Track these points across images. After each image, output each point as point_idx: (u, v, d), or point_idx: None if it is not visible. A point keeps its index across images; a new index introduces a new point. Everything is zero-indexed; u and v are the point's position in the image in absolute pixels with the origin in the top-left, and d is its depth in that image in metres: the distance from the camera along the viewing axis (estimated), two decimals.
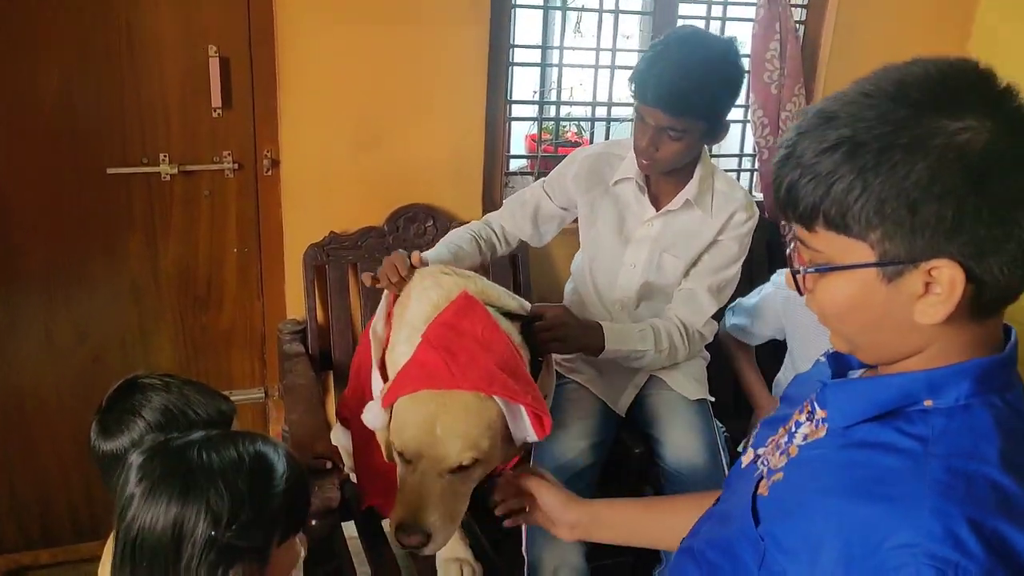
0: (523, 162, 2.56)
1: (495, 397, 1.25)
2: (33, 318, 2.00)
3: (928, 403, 0.75)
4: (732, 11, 2.47)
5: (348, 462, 1.64)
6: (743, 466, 0.97)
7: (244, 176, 2.07)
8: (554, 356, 1.71)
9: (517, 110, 2.38)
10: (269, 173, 2.07)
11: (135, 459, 0.97)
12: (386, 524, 1.61)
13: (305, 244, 2.07)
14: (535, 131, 2.54)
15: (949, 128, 0.69)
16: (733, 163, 2.66)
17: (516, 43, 2.26)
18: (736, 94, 1.62)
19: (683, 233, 1.71)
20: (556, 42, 2.38)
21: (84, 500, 2.18)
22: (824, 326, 0.84)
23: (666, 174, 1.68)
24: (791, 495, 0.81)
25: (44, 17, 1.82)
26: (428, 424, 1.24)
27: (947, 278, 0.71)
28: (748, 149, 2.59)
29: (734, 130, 2.61)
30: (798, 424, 0.87)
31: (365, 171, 2.11)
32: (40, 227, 1.96)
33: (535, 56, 2.50)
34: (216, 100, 1.96)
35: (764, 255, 2.38)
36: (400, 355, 1.39)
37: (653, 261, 1.72)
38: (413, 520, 1.21)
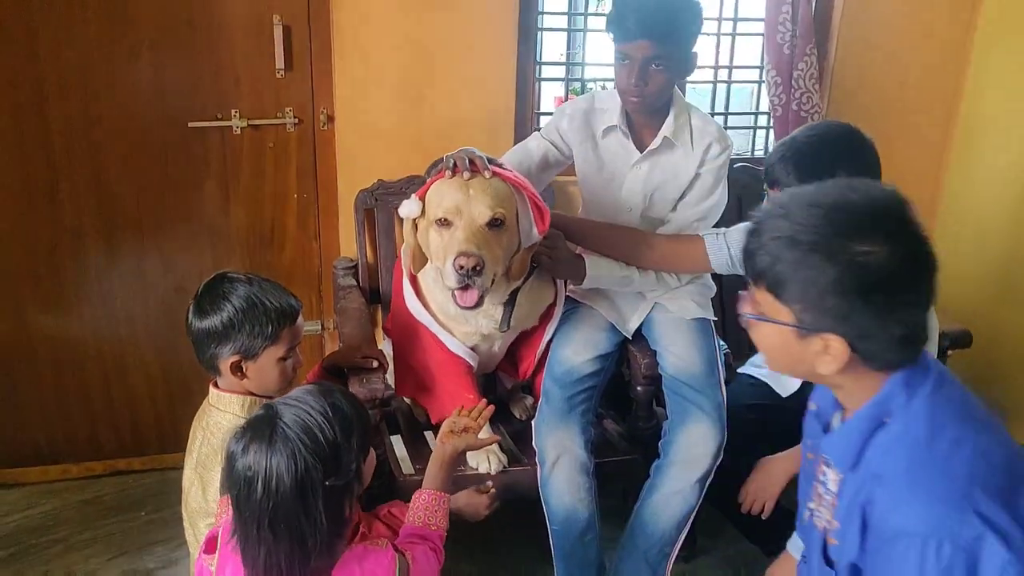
0: None
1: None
2: (128, 254, 2.34)
3: (887, 420, 1.04)
4: None
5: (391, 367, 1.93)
6: (804, 521, 1.25)
7: (303, 130, 2.36)
8: (570, 285, 1.97)
9: (546, 72, 2.60)
10: (325, 128, 2.35)
11: (235, 446, 1.15)
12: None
13: (356, 191, 2.35)
14: (562, 92, 2.75)
15: (855, 249, 0.98)
16: (748, 120, 2.84)
17: (544, 10, 2.48)
18: (699, 23, 1.78)
19: (669, 171, 1.88)
20: (582, 8, 2.59)
21: (168, 415, 2.51)
22: None
23: (647, 116, 1.83)
24: (846, 531, 1.07)
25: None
26: (462, 190, 1.62)
27: (836, 348, 1.02)
28: (763, 108, 2.76)
29: (749, 89, 2.80)
30: (825, 475, 1.16)
31: (409, 126, 2.38)
32: (133, 175, 2.28)
33: (563, 21, 2.71)
34: (279, 63, 2.25)
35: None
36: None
37: (646, 202, 1.91)
38: (472, 248, 1.56)
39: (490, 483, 1.63)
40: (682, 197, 1.91)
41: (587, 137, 1.93)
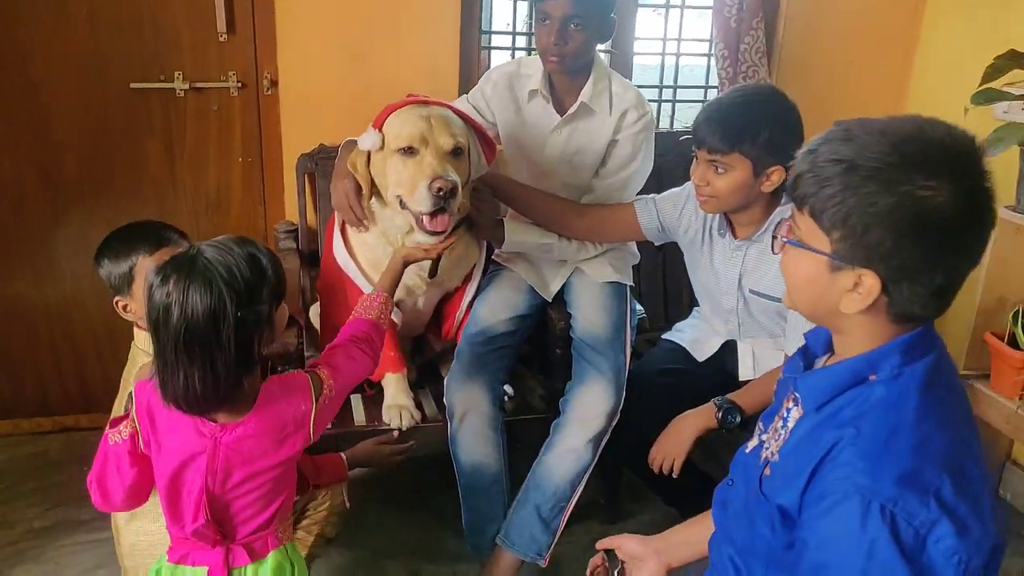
0: None
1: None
2: (72, 218, 2.38)
3: (872, 377, 0.99)
4: None
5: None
6: (748, 451, 1.18)
7: (247, 94, 2.39)
8: (495, 250, 2.00)
9: (494, 41, 2.62)
10: (269, 92, 2.38)
11: (154, 278, 1.23)
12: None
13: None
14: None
15: (918, 183, 0.91)
16: (698, 95, 2.85)
17: None
18: None
19: (587, 137, 1.91)
20: None
21: (115, 373, 2.54)
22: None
23: (569, 80, 1.87)
24: (787, 467, 1.04)
25: None
26: (423, 119, 1.66)
27: (868, 285, 0.95)
28: (713, 82, 2.78)
29: (699, 63, 2.82)
30: (788, 411, 1.10)
31: (351, 90, 2.40)
32: (75, 138, 2.31)
33: None
34: (221, 26, 2.27)
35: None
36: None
37: (567, 167, 1.94)
38: (448, 172, 1.61)
39: (395, 434, 1.67)
40: (603, 165, 1.94)
41: (511, 101, 1.96)
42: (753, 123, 1.63)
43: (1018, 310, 2.18)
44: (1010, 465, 2.48)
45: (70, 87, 2.26)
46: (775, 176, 1.67)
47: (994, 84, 2.07)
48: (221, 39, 2.30)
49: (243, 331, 1.22)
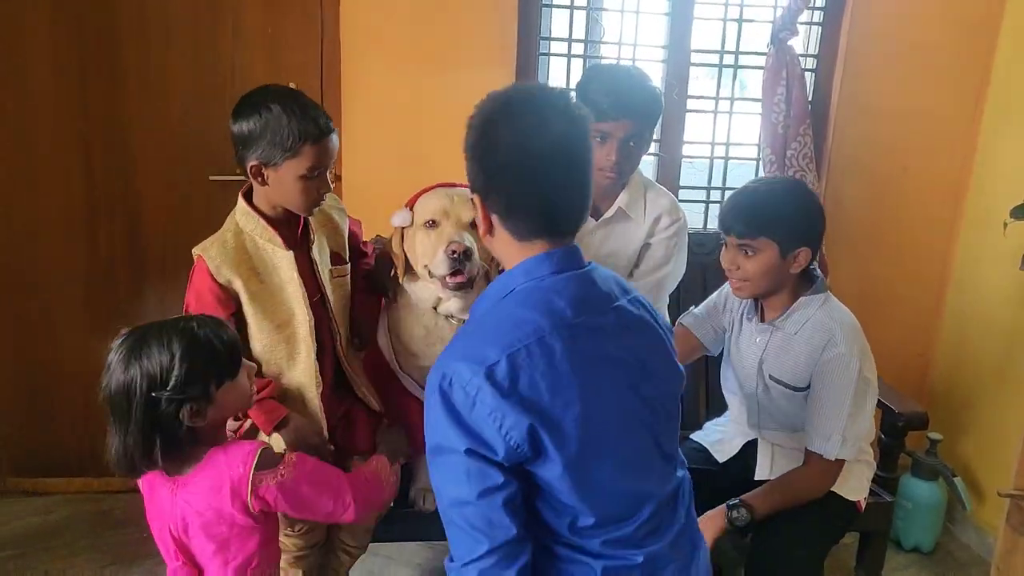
0: None
1: None
2: (153, 291, 2.61)
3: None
4: (743, 59, 2.74)
5: None
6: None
7: None
8: None
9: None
10: (333, 186, 2.57)
11: (114, 343, 1.37)
12: None
13: None
14: None
15: None
16: None
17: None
18: (662, 105, 1.91)
19: (622, 240, 1.98)
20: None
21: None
22: None
23: (607, 186, 1.93)
24: None
25: (172, 63, 2.47)
26: (447, 196, 1.78)
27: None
28: None
29: (747, 165, 2.87)
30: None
31: (409, 186, 2.56)
32: (161, 224, 2.57)
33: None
34: None
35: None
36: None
37: (602, 247, 1.97)
38: (461, 237, 1.71)
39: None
40: (636, 266, 2.00)
41: None
42: (777, 207, 1.74)
43: None
44: None
45: (159, 176, 2.53)
46: (802, 257, 1.75)
47: None
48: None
49: (164, 409, 1.32)
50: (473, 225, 1.77)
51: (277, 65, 2.49)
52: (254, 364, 1.55)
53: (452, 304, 1.80)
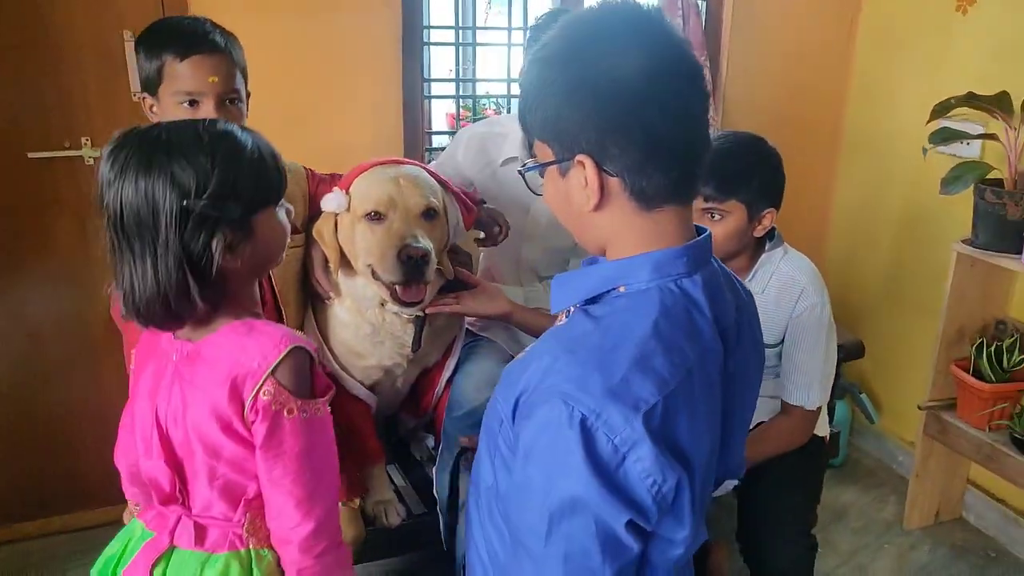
0: (444, 139, 2.66)
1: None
2: None
3: (622, 288, 0.90)
4: None
5: None
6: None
7: None
8: (466, 319, 1.85)
9: (436, 89, 2.48)
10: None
11: (105, 149, 1.03)
12: None
13: None
14: (454, 110, 2.64)
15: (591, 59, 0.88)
16: None
17: (430, 24, 2.36)
18: None
19: None
20: (470, 22, 2.48)
21: (23, 474, 2.23)
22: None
23: None
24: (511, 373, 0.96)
25: None
26: (392, 181, 1.49)
27: (588, 171, 0.86)
28: None
29: None
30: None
31: (291, 152, 2.19)
32: None
33: (450, 36, 2.59)
34: (135, 84, 2.02)
35: None
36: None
37: (554, 230, 1.83)
38: (418, 238, 1.44)
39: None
40: None
41: (485, 164, 1.85)
42: (746, 169, 1.62)
43: (980, 342, 2.21)
44: (970, 487, 2.52)
45: None
46: (767, 219, 1.67)
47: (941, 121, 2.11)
48: (135, 98, 2.05)
49: (195, 230, 1.01)
50: (425, 215, 1.52)
51: (102, 11, 1.98)
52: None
53: (400, 309, 1.56)
